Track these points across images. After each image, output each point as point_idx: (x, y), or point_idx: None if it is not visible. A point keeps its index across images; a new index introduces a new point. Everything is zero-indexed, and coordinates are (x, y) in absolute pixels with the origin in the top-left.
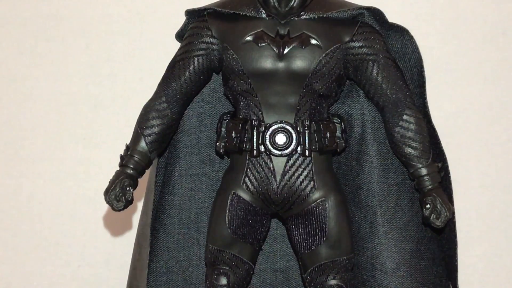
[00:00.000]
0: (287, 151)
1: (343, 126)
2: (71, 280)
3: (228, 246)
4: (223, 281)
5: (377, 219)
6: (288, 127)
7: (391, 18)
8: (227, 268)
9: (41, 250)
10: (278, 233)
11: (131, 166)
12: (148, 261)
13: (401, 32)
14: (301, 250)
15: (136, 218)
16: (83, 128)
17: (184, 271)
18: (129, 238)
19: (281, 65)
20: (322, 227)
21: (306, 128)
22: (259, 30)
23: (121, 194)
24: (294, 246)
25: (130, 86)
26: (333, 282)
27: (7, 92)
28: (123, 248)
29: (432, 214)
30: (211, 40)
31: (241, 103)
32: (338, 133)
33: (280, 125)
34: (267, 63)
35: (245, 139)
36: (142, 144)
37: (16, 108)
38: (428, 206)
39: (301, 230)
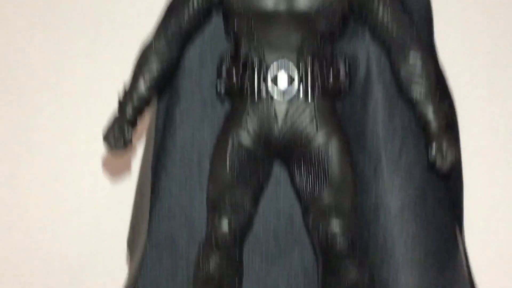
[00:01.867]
0: (289, 92)
1: (347, 67)
2: (72, 228)
3: (229, 191)
4: (225, 225)
5: (382, 162)
6: (290, 66)
7: None
8: (228, 212)
9: (40, 189)
10: (282, 175)
11: (129, 111)
12: (150, 206)
13: None
14: (304, 195)
15: (136, 165)
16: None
17: (187, 215)
18: (130, 185)
19: (283, 4)
20: (325, 172)
21: (309, 68)
22: None
23: (120, 135)
24: (297, 190)
25: None
26: (335, 226)
27: None
28: (123, 195)
29: (438, 157)
30: None
31: (242, 43)
32: (342, 74)
33: (282, 63)
34: (269, 2)
35: (245, 79)
36: (141, 87)
37: None
38: (434, 148)
39: (304, 175)
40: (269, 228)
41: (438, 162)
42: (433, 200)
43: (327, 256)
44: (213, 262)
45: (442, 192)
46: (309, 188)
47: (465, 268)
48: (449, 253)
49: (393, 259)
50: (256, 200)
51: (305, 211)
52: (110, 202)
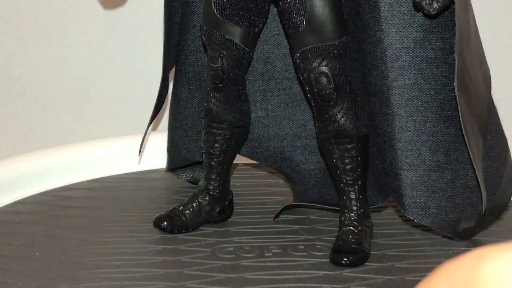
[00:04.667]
0: None
1: None
2: (52, 62)
3: (217, 27)
4: (217, 62)
5: (380, 8)
6: None
7: None
8: (219, 49)
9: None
10: (270, 16)
11: None
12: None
13: None
14: (289, 34)
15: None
16: None
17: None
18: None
19: None
20: (304, 10)
21: None
22: None
23: None
24: (284, 29)
25: None
26: (317, 68)
27: None
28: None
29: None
30: None
31: None
32: None
33: None
34: None
35: None
36: None
37: None
38: None
39: (287, 13)
40: (291, 69)
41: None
42: (440, 48)
43: (314, 100)
44: (212, 97)
45: (443, 38)
46: (292, 27)
47: (462, 116)
48: (454, 107)
49: (388, 107)
50: (248, 40)
51: (291, 51)
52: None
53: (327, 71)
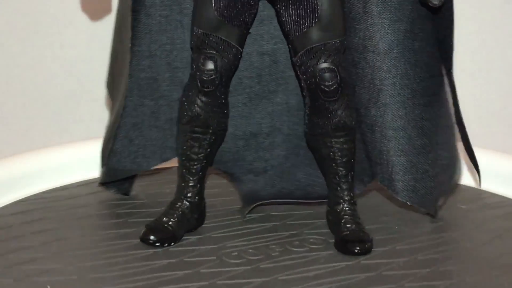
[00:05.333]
0: None
1: None
2: (52, 61)
3: (215, 30)
4: (210, 65)
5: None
6: None
7: None
8: (214, 52)
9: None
10: (265, 14)
11: None
12: (130, 45)
13: None
14: (292, 33)
15: (115, 1)
16: None
17: (168, 54)
18: (109, 23)
19: None
20: (314, 8)
21: None
22: None
23: None
24: (284, 28)
25: None
26: (324, 65)
27: None
28: (103, 31)
29: None
30: None
31: None
32: None
33: None
34: None
35: None
36: None
37: None
38: None
39: (292, 12)
40: (252, 67)
41: None
42: (423, 36)
43: (315, 96)
44: (199, 102)
45: (432, 28)
46: (297, 25)
47: (450, 105)
48: (434, 92)
49: (381, 97)
50: (242, 39)
51: (293, 50)
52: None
53: (334, 67)
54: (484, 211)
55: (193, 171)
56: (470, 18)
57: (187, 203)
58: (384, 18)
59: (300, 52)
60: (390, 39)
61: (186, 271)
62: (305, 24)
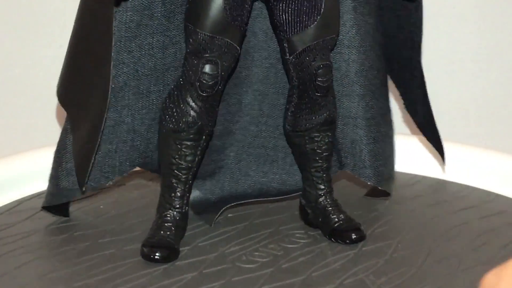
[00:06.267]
0: None
1: None
2: (52, 61)
3: (221, 32)
4: (213, 70)
5: None
6: None
7: None
8: (216, 55)
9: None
10: (256, 13)
11: None
12: (111, 53)
13: None
14: (291, 31)
15: None
16: None
17: (136, 62)
18: None
19: None
20: (317, 6)
21: None
22: None
23: None
24: (281, 27)
25: None
26: (321, 61)
27: None
28: None
29: None
30: None
31: None
32: None
33: None
34: None
35: None
36: None
37: None
38: None
39: (293, 9)
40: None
41: None
42: (378, 29)
43: (306, 92)
44: (196, 108)
45: (382, 22)
46: (298, 23)
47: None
48: (386, 79)
49: (355, 89)
50: (241, 40)
51: (289, 48)
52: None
53: (329, 63)
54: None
55: (183, 180)
56: (470, 18)
57: (178, 214)
58: (358, 13)
59: (299, 50)
60: (363, 33)
61: (218, 283)
62: (307, 22)
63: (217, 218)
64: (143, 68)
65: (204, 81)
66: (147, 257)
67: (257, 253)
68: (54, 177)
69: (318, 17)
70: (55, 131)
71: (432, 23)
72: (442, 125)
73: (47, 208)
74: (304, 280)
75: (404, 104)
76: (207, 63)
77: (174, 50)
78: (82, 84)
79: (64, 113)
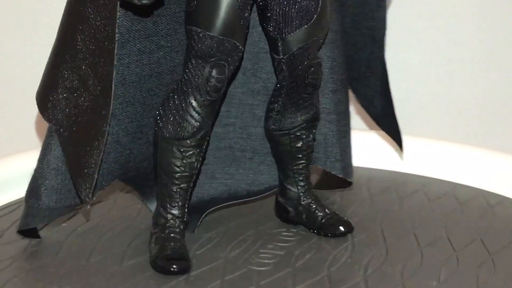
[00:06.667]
0: None
1: None
2: None
3: (231, 34)
4: (220, 74)
5: None
6: None
7: None
8: (224, 58)
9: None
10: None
11: None
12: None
13: None
14: (285, 31)
15: None
16: None
17: (124, 69)
18: None
19: None
20: (313, 5)
21: None
22: None
23: None
24: (276, 27)
25: None
26: (314, 60)
27: None
28: None
29: None
30: None
31: None
32: None
33: None
34: None
35: None
36: None
37: None
38: None
39: (290, 9)
40: (178, 72)
41: None
42: (351, 25)
43: (297, 91)
44: (202, 113)
45: (337, 19)
46: (294, 23)
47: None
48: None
49: (329, 85)
50: (246, 41)
51: (283, 48)
52: None
53: (320, 60)
54: (488, 213)
55: (185, 187)
56: (470, 18)
57: (182, 224)
58: (332, 10)
59: (293, 51)
60: (335, 29)
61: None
62: (302, 21)
63: (199, 224)
64: (131, 75)
65: (212, 85)
66: (164, 270)
67: (262, 255)
68: (34, 197)
69: (315, 16)
70: None
71: (432, 23)
72: (442, 125)
73: (20, 232)
74: (329, 276)
75: (357, 97)
76: (215, 67)
77: (157, 55)
78: (71, 89)
79: None
